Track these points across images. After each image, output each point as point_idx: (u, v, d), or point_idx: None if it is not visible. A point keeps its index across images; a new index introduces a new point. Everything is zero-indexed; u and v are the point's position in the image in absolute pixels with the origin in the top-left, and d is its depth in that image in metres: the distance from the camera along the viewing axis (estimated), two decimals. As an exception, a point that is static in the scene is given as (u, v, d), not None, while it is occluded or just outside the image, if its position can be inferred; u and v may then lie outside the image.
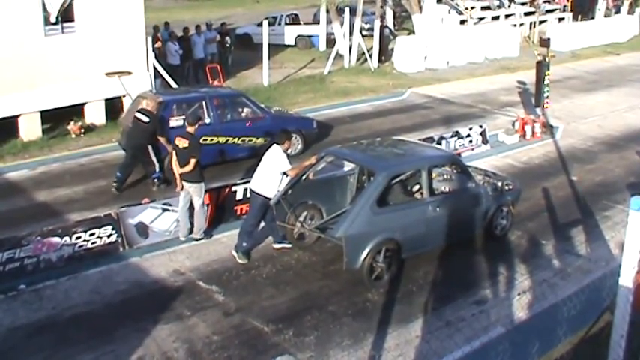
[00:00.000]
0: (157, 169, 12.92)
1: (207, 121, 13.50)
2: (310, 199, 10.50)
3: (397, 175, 10.16)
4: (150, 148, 12.73)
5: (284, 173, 10.05)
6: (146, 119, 12.55)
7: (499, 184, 11.10)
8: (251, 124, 14.21)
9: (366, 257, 9.20)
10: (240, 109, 14.59)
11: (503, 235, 10.99)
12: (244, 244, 10.26)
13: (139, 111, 12.80)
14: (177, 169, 10.70)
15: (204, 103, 13.87)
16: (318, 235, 10.15)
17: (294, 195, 10.23)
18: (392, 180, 9.97)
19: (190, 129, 10.86)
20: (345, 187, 10.95)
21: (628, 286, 6.29)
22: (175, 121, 13.42)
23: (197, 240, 10.87)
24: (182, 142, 10.69)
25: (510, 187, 11.19)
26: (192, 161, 10.50)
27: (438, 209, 9.91)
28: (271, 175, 10.09)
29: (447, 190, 10.74)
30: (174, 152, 10.88)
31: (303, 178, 10.33)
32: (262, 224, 10.50)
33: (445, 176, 11.06)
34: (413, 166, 10.43)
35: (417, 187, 10.48)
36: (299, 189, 10.28)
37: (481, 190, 10.70)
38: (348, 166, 11.68)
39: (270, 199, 10.05)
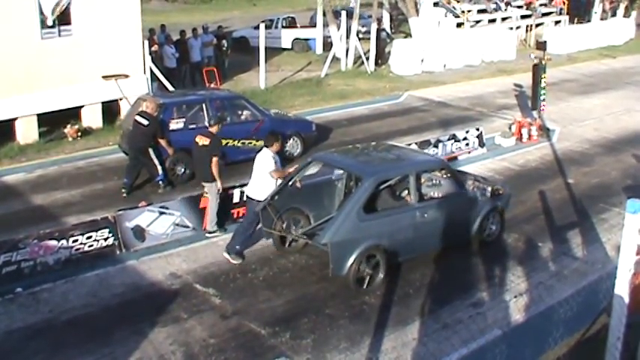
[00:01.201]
0: (160, 172, 12.92)
1: (206, 123, 13.48)
2: (297, 205, 10.38)
3: (384, 180, 10.07)
4: (151, 150, 12.73)
5: (270, 174, 10.00)
6: (145, 122, 12.56)
7: (489, 189, 10.94)
8: (257, 129, 14.13)
9: (352, 264, 9.10)
10: (239, 112, 14.60)
11: (492, 240, 10.83)
12: (237, 247, 10.25)
13: (138, 114, 12.82)
14: (216, 171, 10.79)
15: (204, 105, 13.87)
16: (306, 242, 10.04)
17: (281, 200, 10.12)
18: (379, 185, 9.88)
19: (212, 129, 11.16)
20: (333, 193, 10.83)
21: (624, 288, 6.31)
22: (176, 124, 13.44)
23: (211, 233, 11.02)
24: (202, 140, 10.93)
25: (500, 192, 11.07)
26: (214, 159, 10.76)
27: (426, 215, 9.79)
28: (263, 178, 10.06)
29: (436, 195, 10.62)
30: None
31: (290, 183, 10.24)
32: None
33: (434, 181, 10.93)
34: (400, 171, 10.34)
35: (405, 193, 10.37)
36: (286, 194, 10.18)
37: (470, 195, 10.60)
38: (337, 171, 11.52)
39: None
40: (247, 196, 10.42)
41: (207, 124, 13.38)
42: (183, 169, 13.26)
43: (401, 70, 24.91)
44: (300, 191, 10.45)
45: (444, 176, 10.85)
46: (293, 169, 10.38)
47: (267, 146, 10.21)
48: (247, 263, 10.21)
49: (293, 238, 10.35)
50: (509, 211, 11.82)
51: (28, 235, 9.83)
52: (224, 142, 13.56)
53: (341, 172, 11.00)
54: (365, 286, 9.32)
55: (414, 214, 9.74)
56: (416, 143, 14.45)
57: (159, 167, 12.87)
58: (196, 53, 21.81)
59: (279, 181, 10.12)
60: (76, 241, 10.04)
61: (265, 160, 10.10)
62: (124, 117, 15.51)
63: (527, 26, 32.01)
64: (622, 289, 6.33)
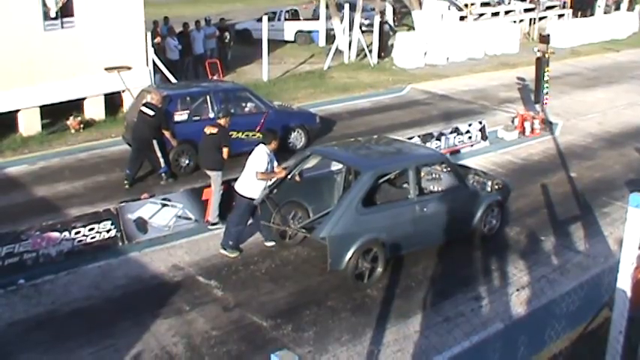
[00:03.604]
0: (163, 164, 12.92)
1: (211, 115, 13.49)
2: (296, 198, 10.33)
3: (383, 174, 10.03)
4: (155, 142, 12.72)
5: (256, 174, 9.86)
6: (151, 113, 12.57)
7: (489, 183, 10.91)
8: (264, 122, 14.12)
9: (350, 258, 9.03)
10: (243, 104, 14.58)
11: (491, 234, 10.75)
12: (230, 242, 10.22)
13: (144, 104, 12.82)
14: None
15: (208, 97, 13.86)
16: (305, 235, 9.98)
17: (280, 194, 10.08)
18: (378, 179, 9.84)
19: (221, 121, 11.28)
20: (332, 186, 10.76)
21: (627, 282, 6.30)
22: (180, 116, 13.44)
23: (213, 225, 11.01)
24: (210, 129, 11.09)
25: (500, 186, 11.03)
26: (225, 150, 10.92)
27: (425, 209, 9.72)
28: (252, 176, 9.95)
29: (436, 189, 10.58)
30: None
31: (289, 177, 10.18)
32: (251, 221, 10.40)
33: (434, 175, 10.88)
34: (399, 165, 10.28)
35: (404, 187, 10.26)
36: (285, 188, 10.13)
37: (470, 189, 10.56)
38: (336, 165, 11.42)
39: (253, 199, 9.96)
40: (236, 192, 10.27)
41: (211, 115, 13.45)
42: (187, 161, 13.27)
43: (404, 63, 24.85)
44: (300, 184, 10.41)
45: (444, 170, 10.79)
46: (283, 173, 10.16)
47: (264, 143, 10.16)
48: (249, 255, 10.22)
49: (292, 232, 10.29)
50: (512, 204, 11.86)
51: (30, 226, 9.83)
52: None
53: (340, 165, 10.93)
54: (364, 281, 9.28)
55: (413, 208, 9.68)
56: (419, 136, 14.44)
57: (161, 159, 12.88)
58: (199, 45, 21.77)
59: (269, 181, 10.01)
60: (79, 232, 10.05)
61: (257, 158, 9.98)
62: (128, 109, 15.51)
63: (530, 19, 31.94)
64: (624, 283, 6.33)
